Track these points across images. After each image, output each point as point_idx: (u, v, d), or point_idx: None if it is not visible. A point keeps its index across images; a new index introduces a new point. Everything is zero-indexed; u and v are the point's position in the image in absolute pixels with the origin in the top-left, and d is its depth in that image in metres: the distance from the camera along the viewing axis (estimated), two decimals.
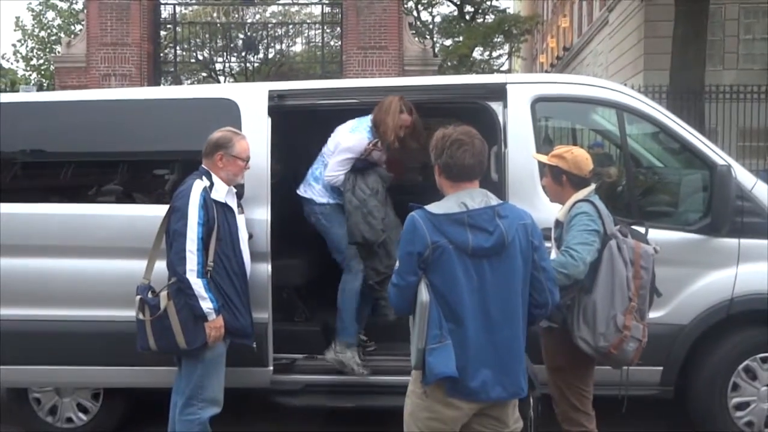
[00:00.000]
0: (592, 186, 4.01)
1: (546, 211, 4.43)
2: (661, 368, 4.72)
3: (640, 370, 4.22)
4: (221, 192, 4.27)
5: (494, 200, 3.19)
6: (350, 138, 5.09)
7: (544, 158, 4.14)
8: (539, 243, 3.25)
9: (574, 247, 3.72)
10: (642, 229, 4.03)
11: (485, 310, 3.11)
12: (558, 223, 4.03)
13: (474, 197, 3.17)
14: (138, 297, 4.23)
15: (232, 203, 4.38)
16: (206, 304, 4.09)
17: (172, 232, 4.17)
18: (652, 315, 4.05)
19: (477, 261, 3.10)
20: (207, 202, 4.15)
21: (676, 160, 5.45)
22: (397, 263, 3.22)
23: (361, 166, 5.06)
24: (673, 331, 4.69)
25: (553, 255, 3.90)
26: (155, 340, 4.19)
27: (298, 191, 5.26)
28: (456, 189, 3.22)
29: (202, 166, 4.33)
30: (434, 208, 3.17)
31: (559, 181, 4.03)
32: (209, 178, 4.26)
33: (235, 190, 4.46)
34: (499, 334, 3.12)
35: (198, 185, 4.18)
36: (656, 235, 4.20)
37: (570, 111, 5.59)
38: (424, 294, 3.09)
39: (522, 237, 3.17)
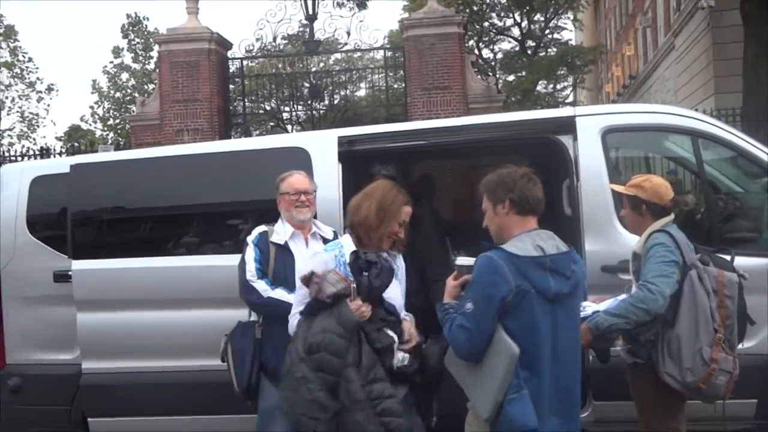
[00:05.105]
0: (671, 215, 3.92)
1: (621, 243, 4.40)
2: (756, 401, 4.52)
3: (734, 403, 4.06)
4: (280, 235, 4.23)
5: (563, 245, 3.16)
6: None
7: (621, 188, 4.06)
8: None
9: (652, 281, 3.61)
10: (728, 257, 3.90)
11: (555, 356, 3.02)
12: (635, 256, 3.93)
13: (545, 239, 3.11)
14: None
15: (296, 247, 4.22)
16: (264, 292, 4.05)
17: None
18: (742, 345, 3.90)
19: (553, 306, 3.03)
20: (261, 243, 4.19)
21: (756, 185, 5.28)
22: (470, 305, 2.98)
23: (310, 309, 3.50)
24: (765, 361, 4.51)
25: (633, 289, 3.81)
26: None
27: None
28: (522, 225, 3.14)
29: None
30: (514, 249, 3.02)
31: (639, 211, 3.93)
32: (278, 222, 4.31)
33: (315, 228, 4.33)
34: (565, 380, 3.05)
35: (256, 230, 4.27)
36: (740, 261, 4.06)
37: (642, 140, 5.50)
38: (513, 345, 2.91)
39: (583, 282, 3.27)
